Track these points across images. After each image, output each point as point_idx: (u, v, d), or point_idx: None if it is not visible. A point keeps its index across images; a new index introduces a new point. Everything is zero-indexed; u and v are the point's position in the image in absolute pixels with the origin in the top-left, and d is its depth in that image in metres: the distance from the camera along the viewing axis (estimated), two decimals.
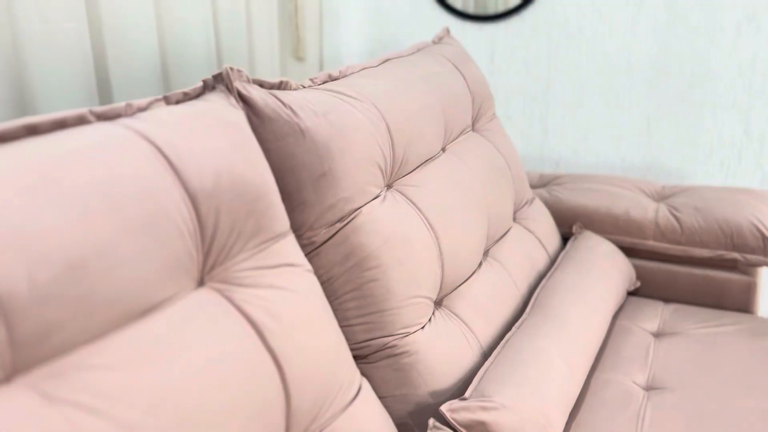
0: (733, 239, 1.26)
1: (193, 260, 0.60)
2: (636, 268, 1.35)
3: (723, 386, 1.02)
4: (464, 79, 1.20)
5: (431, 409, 0.83)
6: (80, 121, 0.60)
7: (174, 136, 0.62)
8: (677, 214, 1.31)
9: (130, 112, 0.65)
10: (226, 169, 0.64)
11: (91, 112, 0.62)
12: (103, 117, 0.62)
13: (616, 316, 1.25)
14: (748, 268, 1.27)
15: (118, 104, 0.65)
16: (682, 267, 1.32)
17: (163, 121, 0.64)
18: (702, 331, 1.18)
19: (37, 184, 0.50)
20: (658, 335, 1.20)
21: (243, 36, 1.71)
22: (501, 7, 1.77)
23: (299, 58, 2.04)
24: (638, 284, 1.36)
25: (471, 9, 1.80)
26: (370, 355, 0.84)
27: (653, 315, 1.26)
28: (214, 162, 0.64)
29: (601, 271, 1.21)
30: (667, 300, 1.33)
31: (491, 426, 0.77)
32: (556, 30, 1.75)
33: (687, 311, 1.27)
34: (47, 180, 0.51)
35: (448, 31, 1.38)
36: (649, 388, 1.04)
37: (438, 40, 1.32)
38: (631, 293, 1.35)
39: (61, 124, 0.59)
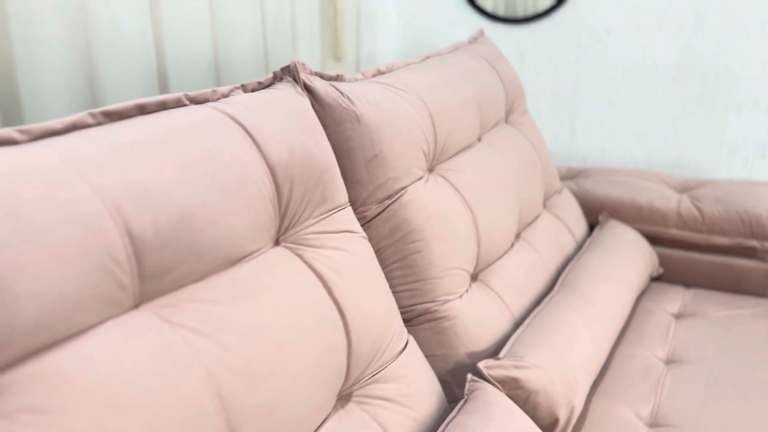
0: (752, 228, 1.33)
1: (272, 222, 0.71)
2: (659, 255, 1.43)
3: (739, 360, 1.09)
4: (498, 75, 1.30)
5: (468, 367, 0.93)
6: (178, 103, 0.71)
7: (254, 117, 0.73)
8: (699, 204, 1.39)
9: (215, 97, 0.76)
10: (298, 146, 0.75)
11: (186, 96, 0.73)
12: (194, 100, 0.74)
13: (639, 299, 1.33)
14: (766, 255, 1.34)
15: (206, 90, 0.76)
16: (703, 254, 1.39)
17: (244, 104, 0.75)
18: (720, 313, 1.26)
19: (154, 152, 0.61)
20: (678, 316, 1.27)
21: (288, 37, 1.83)
22: (531, 10, 1.86)
23: (338, 58, 2.15)
24: (661, 271, 1.43)
25: (501, 12, 1.89)
26: (414, 319, 0.94)
27: (675, 298, 1.34)
28: (287, 140, 0.74)
29: (626, 256, 1.29)
30: (688, 285, 1.40)
31: (523, 381, 0.87)
32: (584, 32, 1.82)
33: (707, 295, 1.34)
34: (161, 148, 0.62)
35: (482, 32, 1.48)
36: (668, 361, 1.12)
37: (473, 41, 1.42)
38: (654, 279, 1.43)
39: (163, 105, 0.70)
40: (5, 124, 1.15)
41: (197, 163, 0.63)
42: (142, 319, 0.55)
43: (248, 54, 1.68)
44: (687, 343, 1.17)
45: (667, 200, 1.42)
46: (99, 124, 0.63)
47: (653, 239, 1.43)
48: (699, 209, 1.38)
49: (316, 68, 1.96)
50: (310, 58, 1.95)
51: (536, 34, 1.90)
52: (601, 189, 1.49)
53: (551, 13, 1.85)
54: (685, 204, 1.41)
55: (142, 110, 0.67)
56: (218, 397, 0.56)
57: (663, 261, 1.43)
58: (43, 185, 0.52)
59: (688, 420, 0.95)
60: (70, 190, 0.53)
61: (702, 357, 1.11)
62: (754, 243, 1.33)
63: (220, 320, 0.59)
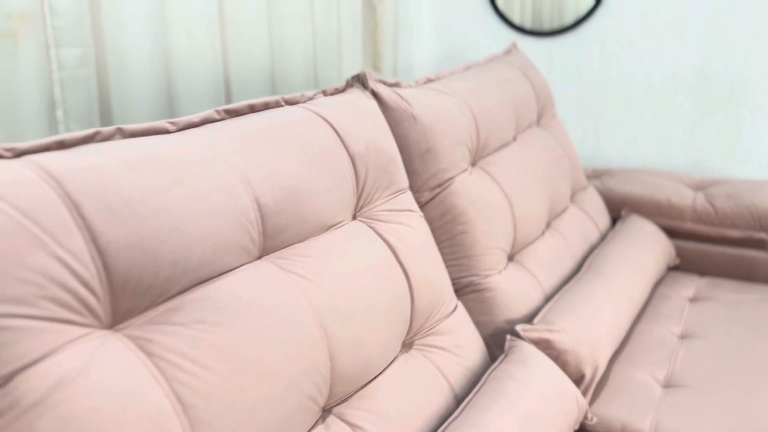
0: (761, 221, 1.47)
1: (352, 200, 0.88)
2: (676, 247, 1.57)
3: (747, 335, 1.23)
4: (530, 83, 1.46)
5: (506, 332, 1.08)
6: (277, 104, 0.89)
7: (337, 116, 0.90)
8: (712, 200, 1.53)
9: (304, 99, 0.93)
10: (371, 140, 0.92)
11: (283, 99, 0.90)
12: (288, 102, 0.91)
13: (657, 286, 1.47)
14: None
15: (296, 94, 0.93)
16: (716, 246, 1.53)
17: (328, 105, 0.92)
18: (731, 297, 1.40)
19: (269, 140, 0.78)
20: (692, 300, 1.42)
21: (334, 48, 2.01)
22: (557, 24, 2.01)
23: (377, 68, 2.33)
24: (678, 261, 1.57)
25: (530, 25, 2.05)
26: (461, 290, 1.10)
27: (689, 285, 1.48)
28: (363, 135, 0.91)
29: (645, 246, 1.44)
30: (702, 274, 1.54)
31: (554, 342, 1.02)
32: (608, 44, 1.97)
33: (719, 283, 1.48)
34: (273, 138, 0.79)
35: (515, 45, 1.64)
36: (682, 336, 1.27)
37: (507, 53, 1.58)
38: (671, 268, 1.57)
39: (266, 105, 0.87)
40: (102, 125, 1.35)
41: (299, 150, 0.81)
42: (265, 266, 0.72)
43: (300, 64, 1.86)
44: (699, 321, 1.31)
45: (683, 197, 1.57)
46: (223, 119, 0.81)
47: (670, 232, 1.58)
48: (712, 205, 1.52)
49: None
50: (352, 67, 2.13)
51: (563, 46, 2.05)
52: (623, 187, 1.63)
53: (577, 26, 2.00)
54: (700, 200, 1.55)
55: (252, 109, 0.85)
56: (322, 328, 0.73)
57: (679, 252, 1.58)
58: (197, 162, 0.69)
59: (699, 382, 1.10)
60: (216, 166, 0.70)
61: (713, 333, 1.25)
62: (763, 235, 1.47)
63: (319, 271, 0.76)
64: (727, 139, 1.88)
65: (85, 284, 0.56)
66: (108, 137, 0.68)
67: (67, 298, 0.54)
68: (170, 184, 0.65)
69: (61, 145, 0.64)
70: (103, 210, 0.59)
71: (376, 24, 2.27)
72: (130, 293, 0.59)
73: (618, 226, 1.53)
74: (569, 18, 1.98)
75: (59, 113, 1.30)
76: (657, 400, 1.06)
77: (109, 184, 0.60)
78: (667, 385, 1.11)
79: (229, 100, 1.63)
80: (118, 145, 0.67)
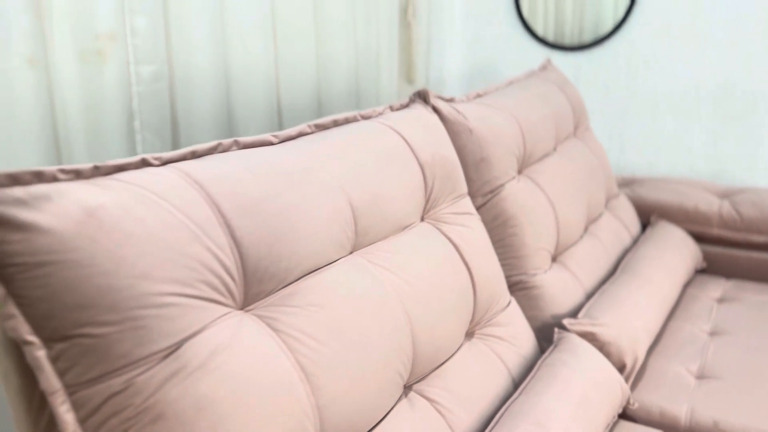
0: None
1: (421, 204, 0.98)
2: (703, 251, 1.67)
3: None
4: (566, 97, 1.56)
5: (552, 326, 1.18)
6: (355, 119, 1.00)
7: (407, 129, 1.01)
8: (737, 207, 1.62)
9: (375, 114, 1.05)
10: (436, 150, 1.03)
11: (359, 114, 1.01)
12: (363, 117, 1.02)
13: (686, 287, 1.56)
14: None
15: (369, 110, 1.04)
16: (742, 250, 1.63)
17: (397, 119, 1.03)
18: (757, 298, 1.49)
19: (355, 150, 0.89)
20: (720, 300, 1.51)
21: (373, 64, 2.13)
22: (584, 39, 2.11)
23: (410, 81, 2.44)
24: (705, 265, 1.67)
25: (554, 39, 2.15)
26: (510, 287, 1.21)
27: (716, 287, 1.57)
28: (429, 145, 1.02)
29: (674, 250, 1.54)
30: (728, 277, 1.63)
31: (597, 335, 1.12)
32: (633, 58, 2.07)
33: (745, 285, 1.57)
34: (358, 147, 0.90)
35: (550, 61, 1.75)
36: (712, 333, 1.36)
37: (543, 68, 1.69)
38: (698, 272, 1.66)
39: (346, 120, 0.98)
40: (167, 142, 1.46)
41: (379, 159, 0.92)
42: (357, 260, 0.83)
43: (343, 75, 1.98)
44: (727, 320, 1.40)
45: (710, 204, 1.66)
46: (313, 132, 0.92)
47: (698, 237, 1.67)
48: (738, 211, 1.61)
49: (393, 89, 2.25)
50: (388, 80, 2.25)
51: (590, 60, 2.15)
52: (652, 195, 1.73)
53: (603, 41, 2.11)
54: (726, 207, 1.64)
55: (336, 123, 0.96)
56: (406, 314, 0.83)
57: (706, 256, 1.67)
58: (301, 169, 0.80)
59: (730, 374, 1.19)
60: (316, 173, 0.81)
61: (741, 330, 1.35)
62: None
63: (400, 265, 0.87)
64: (748, 150, 1.96)
65: (228, 271, 0.67)
66: (227, 148, 0.79)
67: (216, 282, 0.65)
68: (284, 189, 0.76)
69: (194, 155, 0.75)
70: (237, 210, 0.70)
71: (410, 39, 2.39)
72: (258, 280, 0.70)
73: (648, 231, 1.63)
74: (596, 33, 2.08)
75: (137, 123, 1.42)
76: (691, 390, 1.15)
77: (239, 187, 0.72)
78: (700, 376, 1.20)
79: (279, 110, 1.75)
80: (237, 154, 0.78)
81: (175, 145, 1.50)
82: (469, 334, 1.01)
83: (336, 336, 0.73)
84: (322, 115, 1.88)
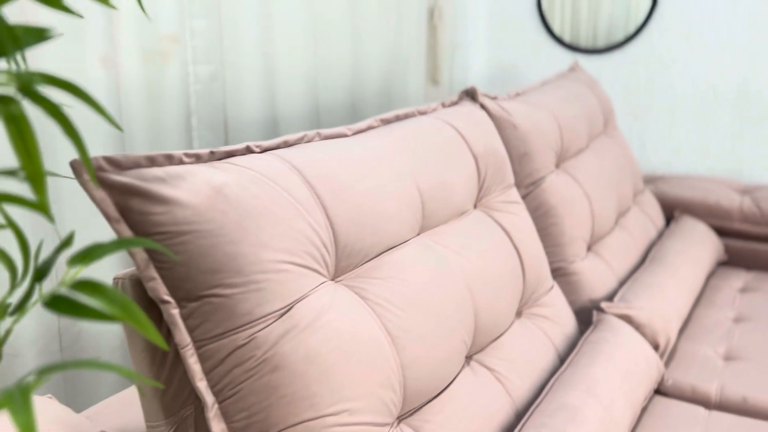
0: None
1: (475, 192, 1.07)
2: (724, 245, 1.75)
3: None
4: (596, 97, 1.65)
5: (589, 309, 1.27)
6: (414, 114, 1.09)
7: (460, 123, 1.10)
8: (758, 202, 1.70)
9: (429, 110, 1.13)
10: (488, 143, 1.12)
11: (417, 110, 1.10)
12: (420, 113, 1.11)
13: (708, 278, 1.64)
14: None
15: (425, 106, 1.13)
16: (762, 244, 1.71)
17: (451, 115, 1.12)
18: None
19: (420, 141, 0.98)
20: (742, 290, 1.59)
21: (402, 65, 2.22)
22: (604, 42, 2.19)
23: (435, 82, 2.53)
24: (726, 258, 1.75)
25: (580, 42, 2.23)
26: (551, 273, 1.29)
27: (738, 278, 1.65)
28: (481, 138, 1.11)
29: (698, 242, 1.62)
30: (749, 269, 1.72)
31: (633, 318, 1.20)
32: (653, 61, 2.15)
33: (766, 276, 1.65)
34: (421, 138, 0.99)
35: (577, 63, 1.83)
36: (736, 319, 1.44)
37: (572, 70, 1.77)
38: (720, 264, 1.74)
39: (406, 115, 1.07)
40: (220, 138, 1.55)
41: (439, 150, 1.00)
42: (424, 240, 0.92)
43: (375, 75, 2.07)
44: (751, 308, 1.48)
45: (731, 200, 1.74)
46: (379, 126, 1.01)
47: (719, 231, 1.75)
48: (758, 206, 1.70)
49: (420, 90, 2.34)
50: (415, 81, 2.33)
51: (611, 63, 2.23)
52: (675, 191, 1.81)
53: (624, 45, 2.19)
54: (747, 203, 1.72)
55: (398, 118, 1.05)
56: (469, 290, 0.92)
57: (727, 249, 1.75)
58: (376, 158, 0.89)
59: (756, 355, 1.27)
60: (389, 161, 0.90)
61: (764, 317, 1.43)
62: None
63: (462, 246, 0.96)
64: (766, 150, 2.04)
65: (324, 245, 0.75)
66: (311, 139, 0.88)
67: (316, 254, 0.74)
68: (365, 175, 0.85)
69: (286, 143, 0.84)
70: (329, 192, 0.79)
71: (436, 42, 2.48)
72: (347, 255, 0.79)
73: (672, 225, 1.71)
74: (616, 37, 2.16)
75: (194, 120, 1.51)
76: (720, 369, 1.23)
77: (329, 171, 0.81)
78: (728, 358, 1.28)
79: (318, 110, 1.84)
80: (321, 144, 0.87)
81: (227, 142, 1.59)
82: (518, 313, 1.09)
83: (413, 305, 0.82)
84: (357, 116, 1.97)
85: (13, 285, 0.50)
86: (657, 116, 2.18)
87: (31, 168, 0.43)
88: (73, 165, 0.62)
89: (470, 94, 1.23)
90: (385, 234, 0.84)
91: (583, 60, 2.24)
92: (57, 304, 0.44)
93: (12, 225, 0.48)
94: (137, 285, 0.71)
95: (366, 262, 0.82)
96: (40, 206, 0.42)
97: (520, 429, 0.86)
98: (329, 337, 0.70)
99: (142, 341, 0.73)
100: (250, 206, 0.69)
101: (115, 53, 1.34)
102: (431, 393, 0.83)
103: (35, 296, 0.47)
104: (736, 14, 1.97)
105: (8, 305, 0.47)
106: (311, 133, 0.89)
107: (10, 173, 0.44)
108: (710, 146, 2.11)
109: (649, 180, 1.93)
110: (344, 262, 0.79)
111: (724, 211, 1.74)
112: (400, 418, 0.79)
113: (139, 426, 0.90)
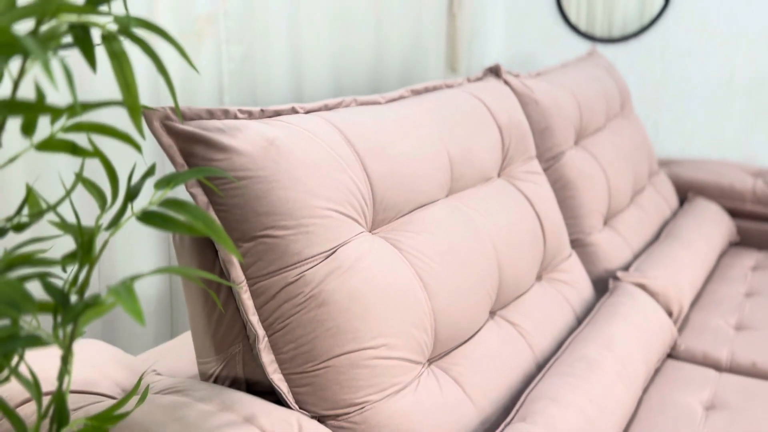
0: None
1: (499, 161, 1.13)
2: (736, 226, 1.79)
3: None
4: (613, 80, 1.70)
5: (605, 279, 1.32)
6: (439, 87, 1.15)
7: (486, 96, 1.16)
8: None
9: (457, 84, 1.19)
10: (512, 115, 1.17)
11: (444, 83, 1.16)
12: (447, 86, 1.17)
13: (721, 257, 1.69)
14: None
15: (452, 80, 1.19)
16: None
17: (477, 88, 1.18)
18: None
19: (448, 110, 1.04)
20: (754, 268, 1.64)
21: (422, 50, 2.27)
22: (620, 32, 2.24)
23: (453, 69, 2.58)
24: (738, 238, 1.79)
25: (595, 31, 2.27)
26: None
27: (750, 257, 1.70)
28: (506, 111, 1.17)
29: (711, 221, 1.67)
30: (761, 249, 1.76)
31: (647, 286, 1.26)
32: (668, 51, 2.19)
33: None
34: (449, 108, 1.05)
35: (596, 48, 1.88)
36: (747, 294, 1.49)
37: (590, 55, 1.83)
38: (732, 244, 1.79)
39: (434, 88, 1.13)
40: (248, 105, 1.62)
41: (466, 119, 1.06)
42: (452, 201, 0.98)
43: (396, 60, 2.12)
44: (762, 284, 1.53)
45: (744, 182, 1.79)
46: (410, 96, 1.07)
47: (732, 213, 1.80)
48: None
49: (439, 77, 2.40)
50: (435, 69, 2.39)
51: (627, 52, 2.27)
52: (689, 173, 1.86)
53: (640, 34, 2.23)
54: (759, 185, 1.77)
55: (427, 89, 1.11)
56: (493, 248, 0.98)
57: (740, 230, 1.80)
58: (409, 123, 0.95)
59: (765, 325, 1.32)
60: (421, 127, 0.96)
61: None
62: None
63: (488, 209, 1.02)
64: None
65: (364, 198, 0.82)
66: (348, 104, 0.95)
67: (357, 205, 0.80)
68: (400, 137, 0.91)
69: (326, 107, 0.90)
70: (368, 150, 0.85)
71: (455, 30, 2.53)
72: (384, 209, 0.85)
73: (686, 206, 1.76)
74: (632, 27, 2.21)
75: (226, 99, 1.58)
76: (731, 338, 1.28)
77: (367, 132, 0.87)
78: (739, 328, 1.33)
79: (341, 90, 1.91)
80: (358, 109, 0.93)
81: None
82: (539, 277, 1.15)
83: (443, 257, 0.88)
84: None
85: (103, 209, 0.57)
86: (671, 105, 2.22)
87: (129, 98, 0.50)
88: (145, 114, 0.68)
89: (494, 71, 1.29)
90: (417, 192, 0.90)
91: (599, 49, 2.28)
92: (149, 218, 0.51)
93: (100, 154, 0.55)
94: None
95: (400, 217, 0.88)
96: (135, 124, 0.48)
97: (542, 376, 0.92)
98: (369, 278, 0.77)
99: (196, 287, 0.79)
100: (298, 158, 0.75)
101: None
102: (459, 339, 0.89)
103: (128, 213, 0.53)
104: (751, 4, 2.01)
105: (100, 225, 0.54)
106: (348, 98, 0.95)
107: (112, 104, 0.51)
108: (724, 135, 2.15)
109: (664, 163, 1.97)
110: (380, 216, 0.85)
111: (737, 193, 1.78)
112: (431, 361, 0.86)
113: (186, 371, 0.96)
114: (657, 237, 1.58)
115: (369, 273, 0.77)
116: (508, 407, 0.90)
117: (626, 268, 1.37)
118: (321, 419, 0.75)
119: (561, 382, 0.89)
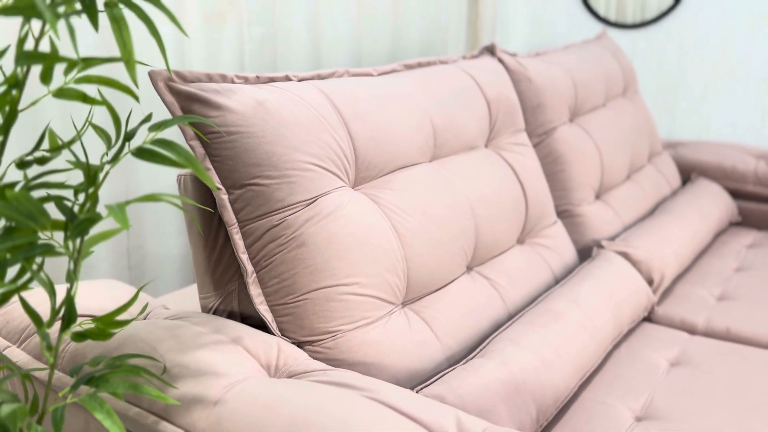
0: None
1: (486, 133, 1.22)
2: (738, 207, 1.83)
3: None
4: (618, 62, 1.76)
5: (591, 249, 1.40)
6: (434, 63, 1.24)
7: (477, 72, 1.25)
8: None
9: (450, 60, 1.28)
10: (501, 90, 1.26)
11: (438, 60, 1.25)
12: (441, 62, 1.26)
13: (719, 235, 1.74)
14: None
15: (447, 57, 1.28)
16: None
17: (470, 65, 1.27)
18: None
19: (437, 83, 1.13)
20: (750, 246, 1.68)
21: (442, 35, 2.35)
22: (640, 18, 2.28)
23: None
24: (740, 219, 1.83)
25: (615, 18, 2.32)
26: (558, 215, 1.43)
27: (749, 236, 1.74)
28: (495, 86, 1.25)
29: (710, 199, 1.72)
30: (761, 229, 1.80)
31: (630, 255, 1.33)
32: (687, 37, 2.21)
33: None
34: (439, 82, 1.14)
35: (605, 32, 1.94)
36: (738, 269, 1.54)
37: (598, 38, 1.88)
38: (733, 224, 1.83)
39: (429, 63, 1.22)
40: None
41: (454, 93, 1.16)
42: (434, 166, 1.08)
43: (415, 47, 2.21)
44: (755, 260, 1.58)
45: (747, 163, 1.83)
46: (402, 70, 1.17)
47: (734, 194, 1.84)
48: None
49: None
50: (454, 53, 2.46)
51: (645, 38, 2.31)
52: (693, 154, 1.91)
53: (659, 20, 2.26)
54: (762, 166, 1.80)
55: (420, 64, 1.21)
56: (471, 209, 1.08)
57: (741, 211, 1.84)
58: (397, 94, 1.05)
59: (748, 297, 1.38)
60: (408, 98, 1.06)
61: (766, 267, 1.52)
62: None
63: (469, 174, 1.11)
64: None
65: (346, 157, 0.92)
66: (341, 75, 1.05)
67: (339, 162, 0.91)
68: (384, 105, 1.01)
69: (319, 77, 1.01)
70: (353, 115, 0.95)
71: (477, 16, 2.60)
72: (365, 168, 0.96)
73: (687, 185, 1.81)
74: (651, 12, 2.25)
75: None
76: (711, 306, 1.35)
77: (354, 99, 0.97)
78: (722, 298, 1.39)
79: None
80: (349, 79, 1.04)
81: None
82: (521, 241, 1.24)
83: (419, 212, 0.98)
84: None
85: (109, 146, 0.69)
86: (688, 91, 2.25)
87: (125, 54, 0.61)
88: (151, 74, 0.80)
89: (490, 50, 1.38)
90: (399, 154, 1.00)
91: (619, 34, 2.33)
92: (142, 154, 0.62)
93: (106, 103, 0.66)
94: (196, 180, 0.89)
95: (381, 176, 0.98)
96: (131, 75, 0.59)
97: (509, 324, 1.01)
98: (346, 225, 0.87)
99: (197, 233, 0.91)
100: (285, 117, 0.86)
101: (182, 13, 1.53)
102: (432, 287, 0.99)
103: (126, 150, 0.65)
104: None
105: (105, 164, 0.65)
106: (341, 69, 1.05)
107: (113, 60, 0.62)
108: (739, 121, 2.17)
109: (671, 145, 2.02)
110: (362, 174, 0.96)
111: (740, 174, 1.82)
112: (405, 303, 0.96)
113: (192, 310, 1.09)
114: (652, 213, 1.64)
115: (346, 220, 0.88)
116: (475, 348, 0.99)
117: (614, 238, 1.44)
118: (300, 345, 0.87)
119: (524, 328, 0.98)
